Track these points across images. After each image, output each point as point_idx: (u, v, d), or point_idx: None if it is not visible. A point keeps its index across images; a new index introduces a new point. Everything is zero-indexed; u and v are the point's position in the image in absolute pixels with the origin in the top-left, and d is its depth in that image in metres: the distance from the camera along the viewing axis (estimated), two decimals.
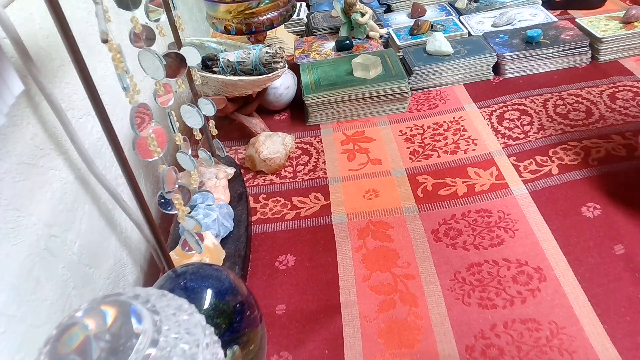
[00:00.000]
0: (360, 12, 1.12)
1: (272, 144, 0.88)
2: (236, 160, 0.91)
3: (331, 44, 1.15)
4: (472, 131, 0.90)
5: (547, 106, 0.93)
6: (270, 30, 1.07)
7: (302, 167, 0.90)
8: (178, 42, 0.72)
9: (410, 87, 1.00)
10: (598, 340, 0.56)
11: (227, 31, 1.01)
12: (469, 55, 1.02)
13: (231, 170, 0.83)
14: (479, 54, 1.02)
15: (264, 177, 0.89)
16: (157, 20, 0.59)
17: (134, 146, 0.50)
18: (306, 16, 1.30)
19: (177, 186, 0.57)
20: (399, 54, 1.09)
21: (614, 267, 0.63)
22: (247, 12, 0.98)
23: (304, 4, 1.36)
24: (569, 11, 1.20)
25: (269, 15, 0.99)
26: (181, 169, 0.66)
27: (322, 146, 0.94)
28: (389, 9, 1.32)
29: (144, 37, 0.54)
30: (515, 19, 1.13)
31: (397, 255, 0.70)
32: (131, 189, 0.50)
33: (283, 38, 1.22)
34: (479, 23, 1.15)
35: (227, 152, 0.93)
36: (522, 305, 0.61)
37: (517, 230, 0.71)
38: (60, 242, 0.58)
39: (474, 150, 0.86)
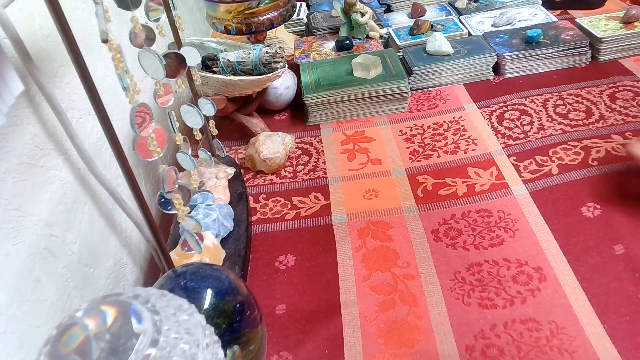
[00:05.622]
0: (360, 12, 1.12)
1: (272, 144, 0.88)
2: (236, 160, 0.91)
3: (331, 44, 1.15)
4: (472, 131, 0.90)
5: (547, 106, 0.93)
6: (270, 30, 1.07)
7: (302, 167, 0.90)
8: (178, 42, 0.72)
9: (410, 87, 1.00)
10: (598, 340, 0.56)
11: (227, 31, 1.01)
12: (469, 55, 1.02)
13: (231, 170, 0.83)
14: (479, 54, 1.02)
15: (264, 177, 0.89)
16: (157, 20, 0.59)
17: (134, 146, 0.50)
18: (306, 16, 1.30)
19: (177, 186, 0.57)
20: (399, 54, 1.09)
21: (614, 267, 0.63)
22: (247, 12, 0.98)
23: (304, 4, 1.36)
24: (569, 11, 1.20)
25: (269, 15, 1.00)
26: (181, 169, 0.66)
27: (322, 146, 0.94)
28: (389, 9, 1.32)
29: (144, 37, 0.54)
30: (515, 18, 1.13)
31: (397, 255, 0.70)
32: (131, 189, 0.50)
33: (283, 38, 1.22)
34: (479, 23, 1.15)
35: (227, 152, 0.93)
36: (522, 305, 0.61)
37: (517, 230, 0.71)
38: (60, 242, 0.58)
39: (474, 150, 0.86)
